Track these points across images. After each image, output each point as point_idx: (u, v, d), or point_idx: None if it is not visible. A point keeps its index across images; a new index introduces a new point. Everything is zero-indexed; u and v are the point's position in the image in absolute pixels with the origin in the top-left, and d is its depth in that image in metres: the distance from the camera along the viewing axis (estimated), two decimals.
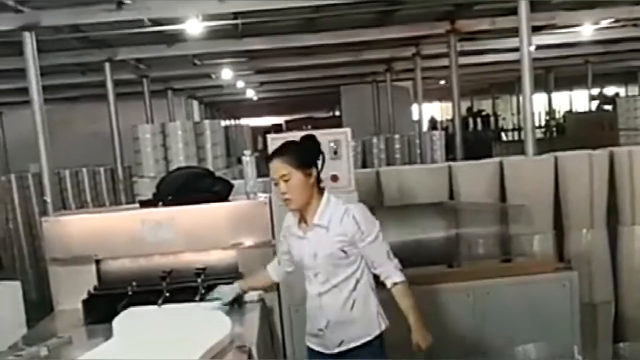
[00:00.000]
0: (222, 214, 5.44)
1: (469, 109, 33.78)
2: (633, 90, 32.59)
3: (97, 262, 5.35)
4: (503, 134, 30.81)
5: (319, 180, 4.35)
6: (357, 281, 4.33)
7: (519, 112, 29.90)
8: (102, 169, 13.70)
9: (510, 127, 32.59)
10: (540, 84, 21.53)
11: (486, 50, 17.90)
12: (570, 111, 30.76)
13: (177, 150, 9.89)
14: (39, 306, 6.33)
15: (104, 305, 4.81)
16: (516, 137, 28.94)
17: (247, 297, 4.97)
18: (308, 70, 19.79)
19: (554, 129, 26.55)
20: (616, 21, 15.19)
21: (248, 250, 5.39)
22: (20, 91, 13.16)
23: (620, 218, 7.41)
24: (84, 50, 13.23)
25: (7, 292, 5.60)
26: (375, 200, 7.22)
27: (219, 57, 16.77)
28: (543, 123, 28.80)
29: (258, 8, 10.09)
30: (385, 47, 16.37)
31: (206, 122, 10.77)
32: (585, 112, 26.80)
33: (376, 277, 4.43)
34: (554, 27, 14.66)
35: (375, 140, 16.11)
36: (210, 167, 8.85)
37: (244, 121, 37.10)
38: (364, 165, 14.92)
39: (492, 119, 32.06)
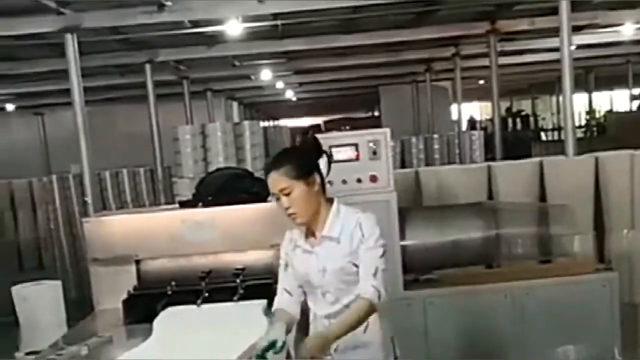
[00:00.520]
0: (260, 215, 5.42)
1: (508, 109, 33.60)
2: None
3: (137, 262, 5.36)
4: (542, 134, 30.62)
5: (324, 185, 3.89)
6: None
7: (558, 112, 29.70)
8: (142, 170, 13.75)
9: (550, 127, 32.37)
10: (581, 84, 21.38)
11: (526, 50, 17.82)
12: (610, 111, 30.48)
13: (216, 151, 9.88)
14: (79, 306, 6.35)
15: (144, 305, 4.82)
16: (556, 137, 28.75)
17: None
18: (347, 70, 19.81)
19: (595, 128, 26.36)
20: None
21: None
22: (61, 92, 13.34)
23: None
24: (124, 51, 13.36)
25: (48, 292, 5.67)
26: (414, 201, 7.23)
27: (259, 58, 16.83)
28: (583, 123, 28.56)
29: (297, 9, 10.11)
30: (424, 47, 16.35)
31: (245, 123, 10.76)
32: (626, 112, 26.57)
33: None
34: (594, 26, 14.52)
35: (414, 140, 16.00)
36: (250, 168, 8.87)
37: (283, 122, 37.19)
38: (403, 166, 14.85)
39: (531, 119, 31.89)
